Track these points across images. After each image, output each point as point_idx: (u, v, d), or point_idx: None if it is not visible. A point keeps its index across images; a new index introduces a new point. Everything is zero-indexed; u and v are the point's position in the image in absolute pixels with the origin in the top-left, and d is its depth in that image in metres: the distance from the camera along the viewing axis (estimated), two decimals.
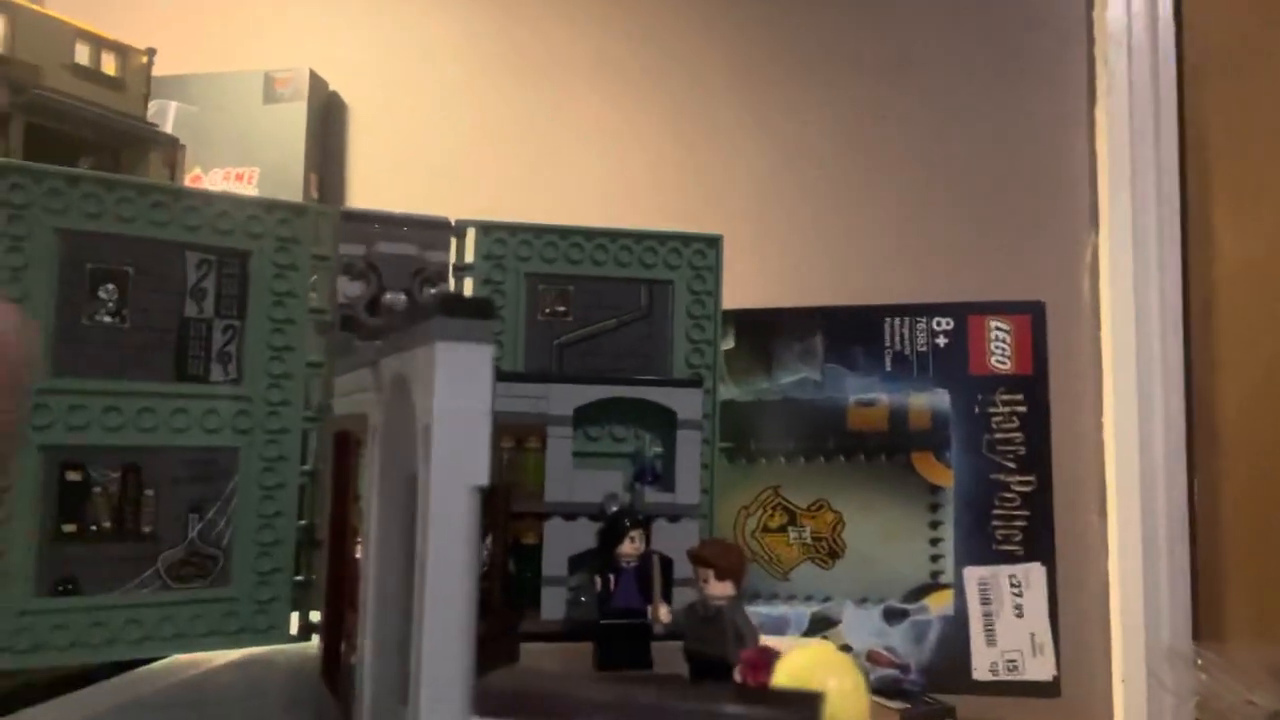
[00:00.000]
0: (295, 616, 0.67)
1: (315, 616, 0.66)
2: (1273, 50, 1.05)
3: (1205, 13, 1.06)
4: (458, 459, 0.35)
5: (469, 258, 0.72)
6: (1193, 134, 1.06)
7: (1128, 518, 1.03)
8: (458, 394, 0.35)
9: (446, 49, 1.18)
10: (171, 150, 0.96)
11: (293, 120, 1.17)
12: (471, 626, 0.35)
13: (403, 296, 0.66)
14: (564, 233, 0.72)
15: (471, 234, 0.72)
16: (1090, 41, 1.08)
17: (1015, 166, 1.08)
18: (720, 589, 0.59)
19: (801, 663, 0.44)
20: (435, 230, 0.69)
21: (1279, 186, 1.04)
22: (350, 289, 0.65)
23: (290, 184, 1.15)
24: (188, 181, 1.08)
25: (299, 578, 0.67)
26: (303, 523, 0.67)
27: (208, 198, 0.65)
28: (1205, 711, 0.86)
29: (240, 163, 1.17)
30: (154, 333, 0.62)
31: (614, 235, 0.73)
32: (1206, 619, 1.02)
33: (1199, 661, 0.91)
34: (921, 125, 1.09)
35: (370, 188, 1.19)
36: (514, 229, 0.72)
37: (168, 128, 1.09)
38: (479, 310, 0.35)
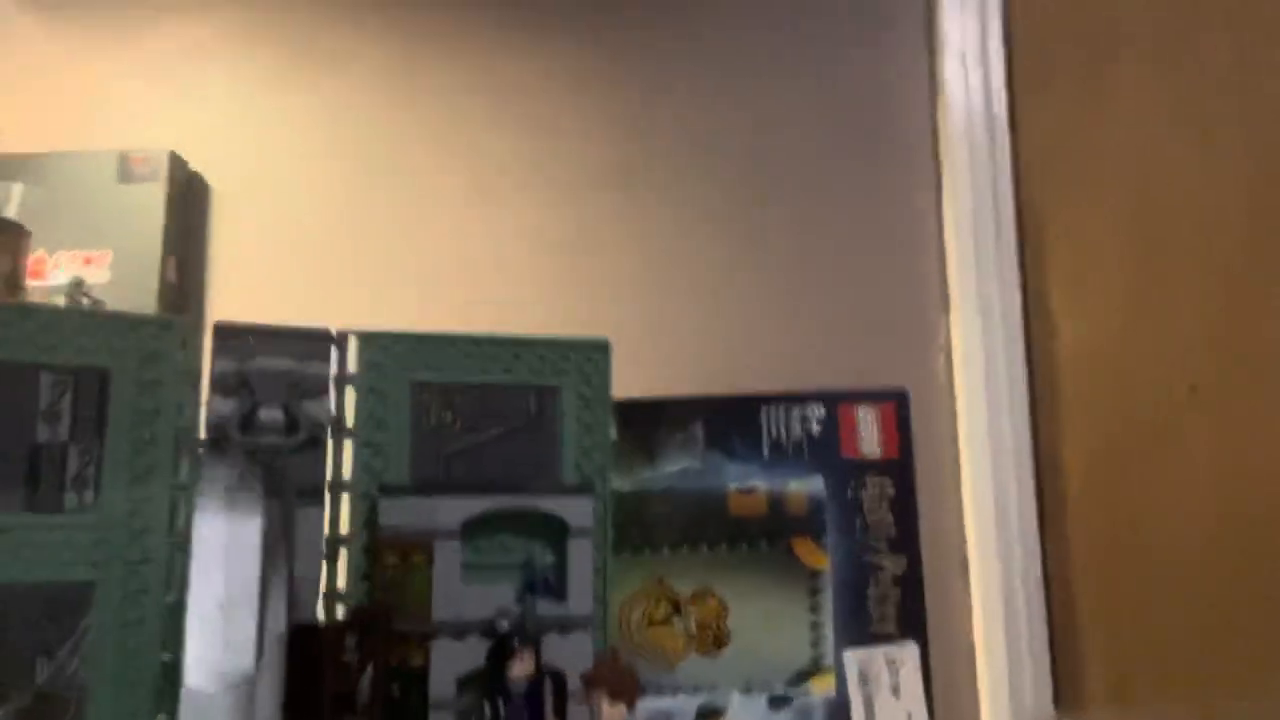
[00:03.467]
0: None
1: None
2: (1099, 143, 1.15)
3: (1036, 111, 1.16)
4: (217, 646, 0.32)
5: (351, 367, 0.70)
6: (1029, 225, 1.14)
7: (990, 592, 1.08)
8: (217, 578, 0.32)
9: (318, 138, 1.15)
10: (13, 236, 0.90)
11: (149, 201, 1.12)
12: None
13: (279, 414, 0.64)
14: (449, 340, 0.71)
15: (353, 343, 0.69)
16: (934, 139, 1.16)
17: (875, 260, 1.14)
18: (614, 714, 0.58)
19: None
20: (313, 341, 0.67)
21: (1107, 271, 1.14)
22: (222, 406, 0.62)
23: (146, 267, 1.10)
24: (30, 265, 1.01)
25: (161, 717, 0.62)
26: (165, 658, 0.63)
27: (65, 314, 0.61)
28: None
29: (92, 245, 1.11)
30: (1, 460, 0.58)
31: (501, 342, 0.72)
32: (1066, 687, 1.07)
33: None
34: (787, 223, 1.13)
35: (235, 274, 1.14)
36: (397, 337, 0.71)
37: (11, 210, 1.02)
38: (248, 481, 0.33)
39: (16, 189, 1.10)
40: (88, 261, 1.10)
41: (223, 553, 0.40)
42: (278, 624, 0.44)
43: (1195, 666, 1.07)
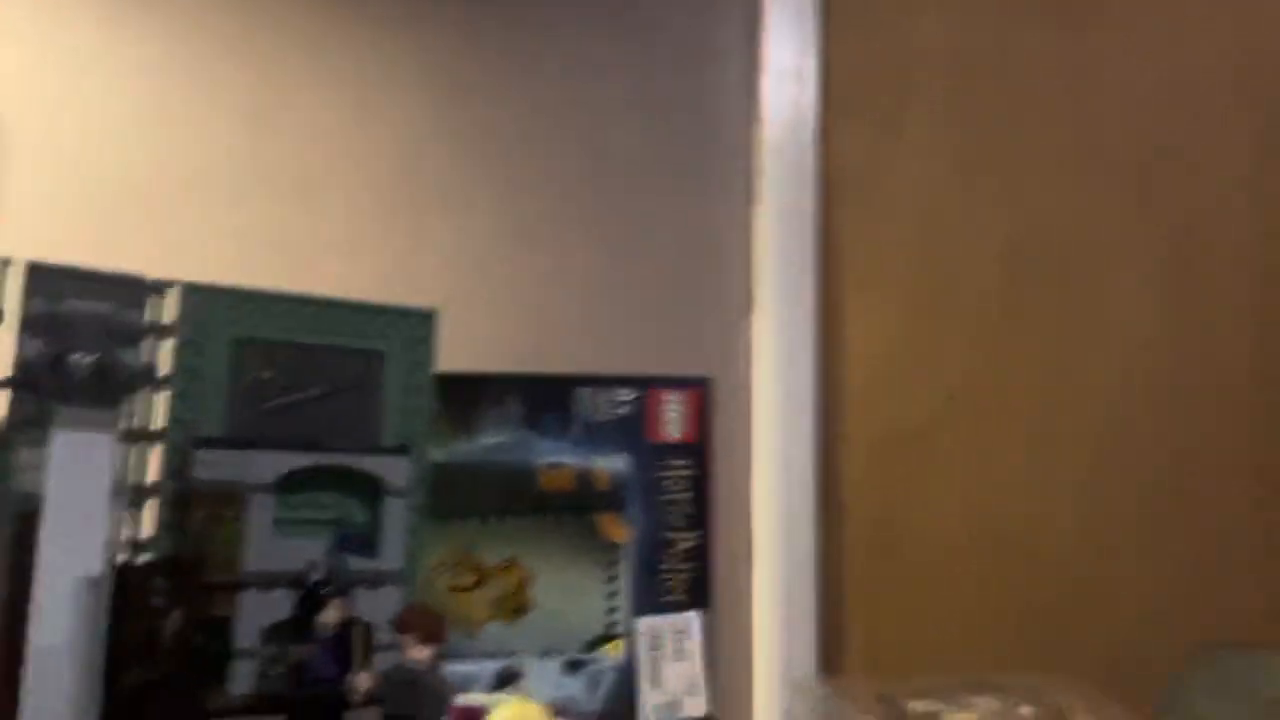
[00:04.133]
0: None
1: None
2: (893, 172, 1.29)
3: (843, 137, 1.27)
4: (69, 548, 0.34)
5: (167, 318, 0.69)
6: (830, 237, 1.26)
7: (771, 568, 1.18)
8: (73, 483, 0.34)
9: (126, 71, 1.09)
10: None
11: None
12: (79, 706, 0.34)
13: (89, 358, 0.63)
14: (275, 299, 0.72)
15: (173, 294, 0.69)
16: (751, 152, 1.25)
17: (689, 256, 1.22)
18: (421, 654, 0.62)
19: (506, 715, 0.49)
20: (132, 288, 0.66)
21: (891, 284, 1.27)
22: (31, 347, 0.61)
23: None
24: None
25: None
26: None
27: None
28: None
29: None
30: None
31: (327, 304, 0.74)
32: (832, 656, 1.20)
33: (821, 692, 1.08)
34: (612, 219, 1.19)
35: (26, 221, 1.06)
36: (220, 291, 0.71)
37: None
38: (100, 398, 0.35)
39: None
40: None
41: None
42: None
43: (940, 643, 1.22)
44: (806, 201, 1.25)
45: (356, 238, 1.10)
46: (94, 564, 0.32)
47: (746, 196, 1.25)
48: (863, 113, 1.29)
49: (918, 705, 0.95)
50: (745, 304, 1.23)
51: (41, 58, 1.08)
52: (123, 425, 0.61)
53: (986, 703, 0.97)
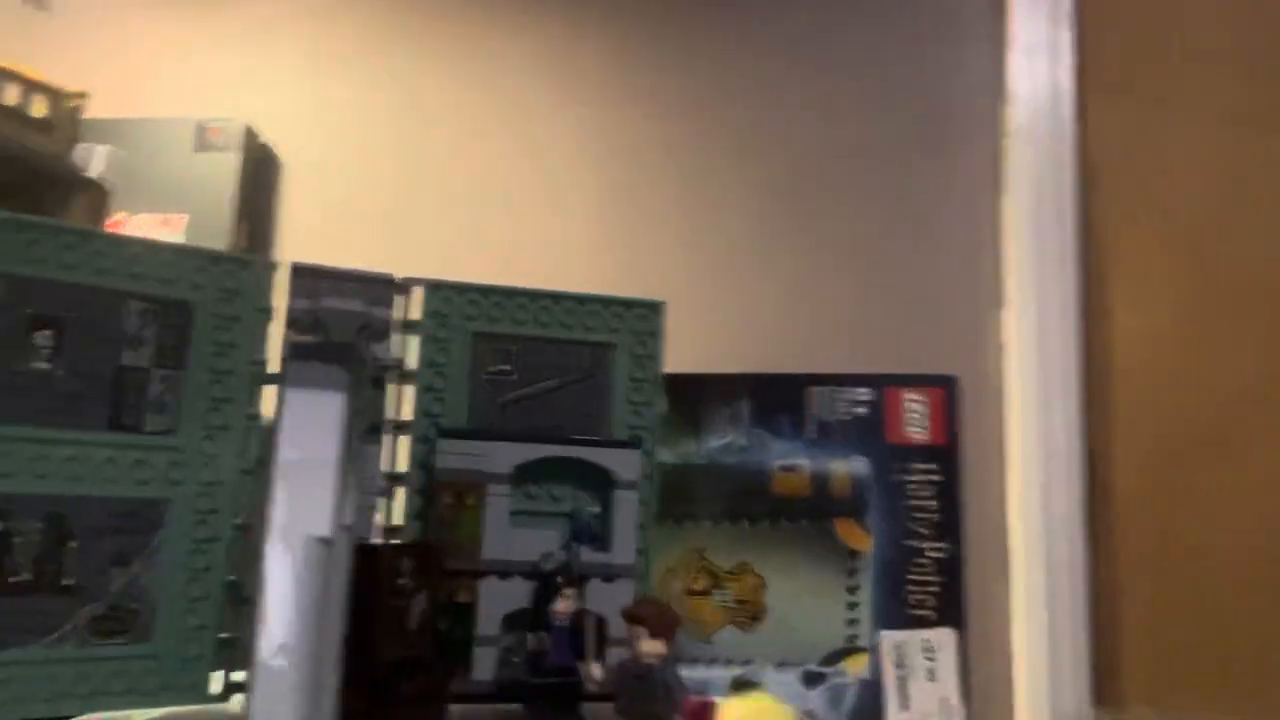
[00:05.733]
0: (219, 675, 0.65)
1: (238, 675, 0.64)
2: (1164, 148, 1.15)
3: (1104, 113, 1.15)
4: (297, 508, 0.34)
5: (415, 315, 0.73)
6: (1092, 222, 1.14)
7: (1032, 585, 1.08)
8: (302, 442, 0.34)
9: (384, 107, 1.19)
10: (97, 195, 0.94)
11: (224, 169, 1.16)
12: (313, 681, 0.34)
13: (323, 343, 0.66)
14: (510, 293, 0.74)
15: (418, 292, 0.72)
16: (998, 135, 1.16)
17: (930, 249, 1.14)
18: (653, 647, 0.60)
19: (742, 713, 0.46)
20: (381, 286, 0.70)
21: (1166, 272, 1.13)
22: (295, 341, 0.65)
23: (219, 231, 1.14)
24: (110, 226, 1.07)
25: (224, 635, 0.65)
26: (231, 578, 0.66)
27: (152, 247, 0.64)
28: None
29: (168, 208, 1.16)
30: (88, 380, 0.61)
31: (559, 298, 0.75)
32: (1106, 686, 1.06)
33: None
34: (844, 208, 1.14)
35: (302, 243, 1.18)
36: (461, 288, 0.74)
37: (96, 171, 1.07)
38: (332, 356, 0.35)
39: (102, 151, 1.16)
40: (165, 224, 1.15)
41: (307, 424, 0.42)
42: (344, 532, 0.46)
43: (1238, 676, 1.05)
44: (1064, 188, 1.14)
45: (591, 241, 1.13)
46: (323, 523, 0.32)
47: (996, 182, 1.15)
48: (1126, 85, 1.16)
49: None
50: (994, 299, 1.14)
51: (311, 102, 1.21)
52: (375, 418, 0.64)
53: None
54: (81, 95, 0.91)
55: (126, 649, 0.61)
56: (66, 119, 0.90)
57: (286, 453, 0.32)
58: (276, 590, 0.33)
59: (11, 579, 0.58)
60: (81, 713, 0.61)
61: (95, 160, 1.14)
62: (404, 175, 1.17)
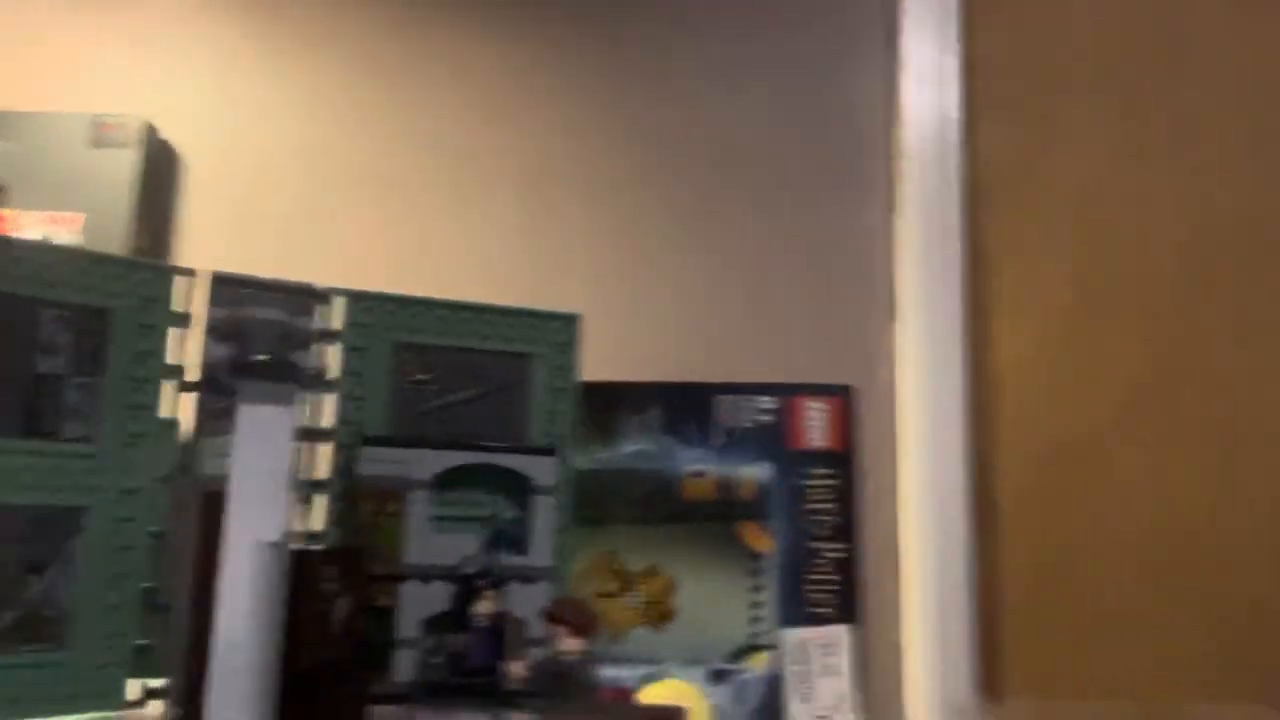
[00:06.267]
0: (135, 683, 0.65)
1: (155, 682, 0.64)
2: (1046, 171, 1.23)
3: (990, 137, 1.23)
4: (252, 517, 0.36)
5: (336, 324, 0.74)
6: (978, 240, 1.21)
7: (923, 584, 1.14)
8: (255, 454, 0.36)
9: (291, 107, 1.18)
10: None
11: (121, 167, 1.12)
12: (261, 682, 0.36)
13: (266, 359, 0.67)
14: (431, 304, 0.76)
15: (339, 301, 0.74)
16: (891, 156, 1.23)
17: (828, 264, 1.20)
18: (573, 645, 0.63)
19: (659, 694, 0.49)
20: (303, 296, 0.71)
21: (1048, 288, 1.21)
22: (216, 351, 0.66)
23: (117, 231, 1.10)
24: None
25: (141, 642, 0.65)
26: (147, 585, 0.66)
27: (68, 254, 0.64)
28: None
29: (63, 206, 1.12)
30: (2, 387, 0.61)
31: (479, 309, 0.77)
32: (990, 677, 1.14)
33: (981, 716, 1.03)
34: (749, 225, 1.19)
35: (204, 244, 1.16)
36: (382, 299, 0.75)
37: None
38: (280, 374, 0.37)
39: None
40: (58, 222, 1.11)
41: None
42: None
43: (1115, 668, 1.14)
44: (951, 205, 1.21)
45: (502, 250, 1.15)
46: (274, 532, 0.34)
47: (888, 201, 1.22)
48: (1011, 111, 1.24)
49: None
50: (888, 311, 1.20)
51: (215, 100, 1.19)
52: (296, 424, 0.65)
53: None
54: None
55: (42, 656, 0.60)
56: None
57: (241, 464, 0.34)
58: (231, 594, 0.34)
59: None
60: None
61: None
62: (311, 178, 1.16)
